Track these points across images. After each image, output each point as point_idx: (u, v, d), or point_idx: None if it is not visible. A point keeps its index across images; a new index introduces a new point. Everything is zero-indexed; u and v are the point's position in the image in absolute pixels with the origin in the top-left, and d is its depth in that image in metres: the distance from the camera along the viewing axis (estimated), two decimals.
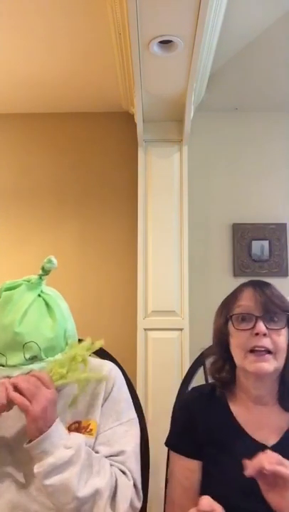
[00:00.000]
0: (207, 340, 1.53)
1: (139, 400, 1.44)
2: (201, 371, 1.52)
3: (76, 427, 1.12)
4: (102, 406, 1.15)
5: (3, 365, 1.04)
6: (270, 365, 1.06)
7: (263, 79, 2.36)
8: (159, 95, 2.14)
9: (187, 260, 2.37)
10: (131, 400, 1.22)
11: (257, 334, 1.06)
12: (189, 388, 1.47)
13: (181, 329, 2.32)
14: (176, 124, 2.42)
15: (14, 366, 1.02)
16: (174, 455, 1.16)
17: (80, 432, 1.10)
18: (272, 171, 2.67)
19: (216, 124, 2.70)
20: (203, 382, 1.49)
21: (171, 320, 2.34)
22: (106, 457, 1.08)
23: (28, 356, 1.03)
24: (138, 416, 1.24)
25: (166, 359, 2.30)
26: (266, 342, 1.06)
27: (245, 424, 1.09)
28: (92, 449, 1.10)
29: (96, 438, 1.12)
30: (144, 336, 2.33)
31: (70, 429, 1.10)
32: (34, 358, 1.04)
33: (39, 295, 1.12)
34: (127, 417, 1.17)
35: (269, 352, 1.06)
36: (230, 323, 1.12)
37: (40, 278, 1.14)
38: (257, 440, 1.06)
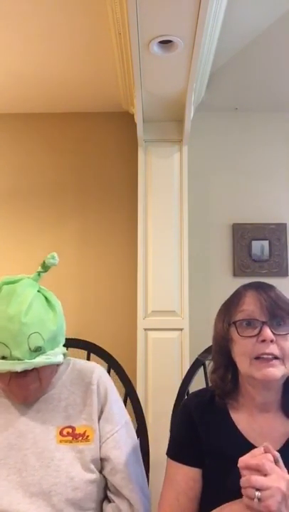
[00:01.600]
0: (207, 341, 1.53)
1: (139, 400, 1.44)
2: (201, 371, 1.52)
3: (69, 432, 1.12)
4: (100, 412, 1.16)
5: (5, 358, 1.03)
6: (279, 370, 1.01)
7: (263, 79, 2.36)
8: (159, 95, 2.14)
9: (187, 260, 2.37)
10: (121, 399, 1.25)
11: (263, 341, 1.01)
12: (189, 388, 1.47)
13: (181, 329, 2.32)
14: (176, 124, 2.42)
15: (18, 359, 1.02)
16: (175, 465, 1.10)
17: (76, 439, 1.11)
18: (273, 171, 2.67)
19: (216, 124, 2.70)
20: (204, 383, 1.49)
21: (171, 320, 2.34)
22: (115, 468, 1.11)
23: (32, 347, 1.03)
24: (138, 416, 1.26)
25: (166, 359, 2.30)
26: (273, 348, 1.01)
27: (247, 433, 1.06)
28: (94, 455, 1.12)
29: (104, 443, 1.13)
30: (144, 335, 2.33)
31: (62, 433, 1.11)
32: (38, 350, 1.05)
33: (38, 291, 1.13)
34: (124, 418, 1.20)
35: (276, 357, 1.02)
36: (233, 329, 1.07)
37: (39, 275, 1.16)
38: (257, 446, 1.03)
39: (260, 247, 2.59)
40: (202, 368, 1.51)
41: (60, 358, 1.10)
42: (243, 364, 1.04)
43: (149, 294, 2.36)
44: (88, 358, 1.52)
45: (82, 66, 2.26)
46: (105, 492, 1.15)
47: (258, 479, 0.86)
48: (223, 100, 2.58)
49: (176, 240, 2.39)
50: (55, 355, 1.09)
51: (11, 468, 1.07)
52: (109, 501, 1.13)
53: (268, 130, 2.69)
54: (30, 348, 1.03)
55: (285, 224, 2.61)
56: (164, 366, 2.29)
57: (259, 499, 0.86)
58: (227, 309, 1.11)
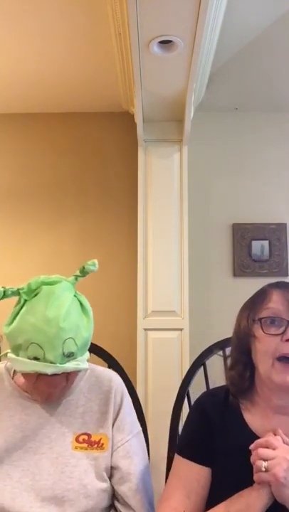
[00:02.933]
0: (207, 340, 1.53)
1: (139, 400, 1.44)
2: (201, 371, 1.52)
3: (85, 439, 1.12)
4: (114, 420, 1.16)
5: (37, 359, 1.02)
6: None
7: (263, 79, 2.36)
8: (159, 95, 2.14)
9: (187, 260, 2.37)
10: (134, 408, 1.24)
11: (288, 340, 0.98)
12: (189, 389, 1.47)
13: (181, 329, 2.32)
14: (176, 124, 2.42)
15: (50, 362, 1.01)
16: (187, 462, 1.07)
17: (92, 446, 1.11)
18: (273, 171, 2.67)
19: (216, 124, 2.70)
20: (204, 383, 1.49)
21: (171, 320, 2.34)
22: (124, 477, 1.11)
23: (66, 352, 1.03)
24: (138, 416, 1.26)
25: (166, 359, 2.30)
26: None
27: (260, 434, 1.03)
28: (108, 463, 1.12)
29: (114, 451, 1.13)
30: (144, 335, 2.33)
31: (78, 440, 1.11)
32: (70, 355, 1.04)
33: (74, 295, 1.12)
34: (136, 428, 1.20)
35: None
36: (257, 326, 1.04)
37: (76, 279, 1.15)
38: None
39: (260, 247, 2.59)
40: (202, 368, 1.50)
41: (87, 365, 1.10)
42: (264, 364, 1.02)
43: (149, 294, 2.36)
44: None
45: (82, 66, 2.26)
46: (112, 501, 1.14)
47: (265, 450, 0.91)
48: (223, 100, 2.58)
49: (176, 239, 2.39)
50: (84, 361, 1.08)
51: (23, 471, 1.07)
52: (116, 511, 1.13)
53: (267, 130, 2.70)
54: (63, 353, 1.02)
55: (285, 224, 2.61)
56: (164, 366, 2.29)
57: (266, 469, 0.90)
58: (252, 306, 1.09)
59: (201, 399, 1.16)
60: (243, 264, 2.58)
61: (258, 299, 1.08)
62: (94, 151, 2.73)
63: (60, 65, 2.25)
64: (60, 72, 2.31)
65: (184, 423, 1.16)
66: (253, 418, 1.06)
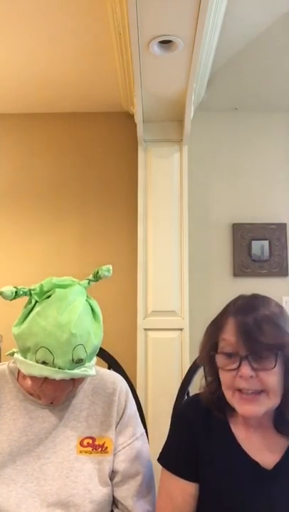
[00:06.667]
0: None
1: (139, 400, 1.44)
2: (201, 371, 1.51)
3: (89, 442, 1.11)
4: (117, 423, 1.15)
5: (46, 363, 1.00)
6: (261, 407, 0.95)
7: (263, 79, 2.36)
8: (159, 95, 2.14)
9: (187, 260, 2.37)
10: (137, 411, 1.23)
11: (242, 376, 0.93)
12: (189, 389, 1.47)
13: (181, 329, 2.32)
14: (176, 124, 2.42)
15: (59, 368, 1.00)
16: (172, 477, 1.05)
17: (96, 450, 1.10)
18: (272, 170, 2.67)
19: (216, 124, 2.70)
20: (204, 383, 1.48)
21: (171, 320, 2.34)
22: (124, 480, 1.10)
23: (75, 359, 1.01)
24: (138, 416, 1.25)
25: (166, 359, 2.30)
26: (253, 384, 0.94)
27: (246, 446, 1.01)
28: (111, 467, 1.11)
29: (115, 455, 1.13)
30: (144, 335, 2.33)
31: (82, 444, 1.10)
32: (79, 362, 1.02)
33: (86, 299, 1.10)
34: (140, 431, 1.19)
35: (260, 390, 0.94)
36: (215, 358, 1.00)
37: (89, 283, 1.13)
38: (258, 463, 0.99)
39: (260, 247, 2.59)
40: (202, 367, 1.50)
41: (94, 371, 1.08)
42: (226, 394, 0.99)
43: (149, 293, 2.36)
44: None
45: (83, 66, 2.26)
46: (112, 506, 1.14)
47: None
48: (223, 100, 2.58)
49: (176, 239, 2.39)
50: (91, 367, 1.07)
51: (28, 476, 1.05)
52: None
53: (267, 130, 2.70)
54: (72, 359, 1.01)
55: (285, 224, 2.61)
56: (164, 366, 2.29)
57: None
58: (212, 332, 1.03)
59: (186, 409, 1.13)
60: (243, 264, 2.58)
61: (218, 325, 1.02)
62: (94, 151, 2.73)
63: (60, 66, 2.25)
64: (60, 72, 2.31)
65: (168, 431, 1.13)
66: (237, 427, 1.03)
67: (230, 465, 0.99)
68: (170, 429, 1.12)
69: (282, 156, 2.68)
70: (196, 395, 1.12)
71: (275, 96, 2.54)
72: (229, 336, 0.97)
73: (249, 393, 0.94)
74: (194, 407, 1.09)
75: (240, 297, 1.04)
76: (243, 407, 0.95)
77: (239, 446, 1.01)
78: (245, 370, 0.93)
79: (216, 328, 1.02)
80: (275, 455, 0.99)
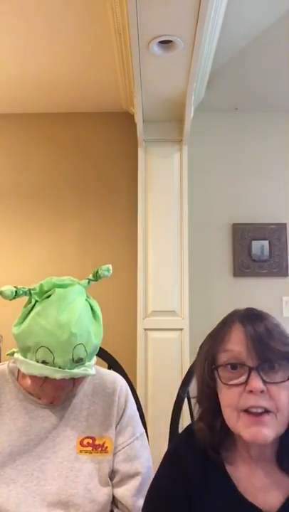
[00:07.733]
0: None
1: (139, 400, 1.44)
2: None
3: (89, 442, 1.11)
4: (117, 423, 1.15)
5: (46, 363, 1.00)
6: (271, 430, 0.81)
7: (263, 79, 2.36)
8: (159, 95, 2.14)
9: (187, 260, 2.37)
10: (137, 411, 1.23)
11: (251, 391, 0.81)
12: (189, 389, 1.46)
13: (181, 329, 2.32)
14: (176, 124, 2.42)
15: (59, 367, 1.00)
16: None
17: (96, 450, 1.10)
18: (272, 170, 2.67)
19: (216, 124, 2.71)
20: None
21: (171, 320, 2.34)
22: (124, 480, 1.10)
23: (75, 358, 1.01)
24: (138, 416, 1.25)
25: (166, 359, 2.30)
26: (263, 400, 0.81)
27: (245, 490, 0.87)
28: (111, 467, 1.11)
29: (115, 455, 1.12)
30: (144, 336, 2.33)
31: (82, 443, 1.10)
32: (79, 361, 1.03)
33: (85, 299, 1.10)
34: (139, 431, 1.19)
35: (268, 411, 0.81)
36: (216, 374, 0.87)
37: (89, 283, 1.13)
38: (259, 508, 0.85)
39: (260, 247, 2.59)
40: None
41: (94, 370, 1.08)
42: (229, 418, 0.85)
43: (149, 294, 2.36)
44: None
45: (83, 66, 2.26)
46: (111, 505, 1.13)
47: None
48: (223, 100, 2.59)
49: (176, 239, 2.39)
50: (91, 366, 1.07)
51: (28, 475, 1.05)
52: None
53: (267, 130, 2.70)
54: (73, 359, 1.01)
55: (285, 224, 2.61)
56: (164, 366, 2.29)
57: None
58: (211, 345, 0.90)
59: (180, 450, 0.95)
60: (243, 264, 2.58)
61: (218, 336, 0.89)
62: (94, 151, 2.73)
63: (60, 66, 2.25)
64: (60, 72, 2.31)
65: (155, 473, 0.96)
66: (236, 470, 0.89)
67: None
68: (161, 469, 0.95)
69: (282, 156, 2.68)
70: (192, 431, 0.95)
71: (275, 96, 2.54)
72: (234, 345, 0.85)
73: (259, 412, 0.82)
74: (189, 447, 0.93)
75: (237, 310, 0.93)
76: (250, 430, 0.81)
77: (237, 491, 0.88)
78: (256, 382, 0.81)
79: (214, 340, 0.90)
80: (279, 496, 0.86)
